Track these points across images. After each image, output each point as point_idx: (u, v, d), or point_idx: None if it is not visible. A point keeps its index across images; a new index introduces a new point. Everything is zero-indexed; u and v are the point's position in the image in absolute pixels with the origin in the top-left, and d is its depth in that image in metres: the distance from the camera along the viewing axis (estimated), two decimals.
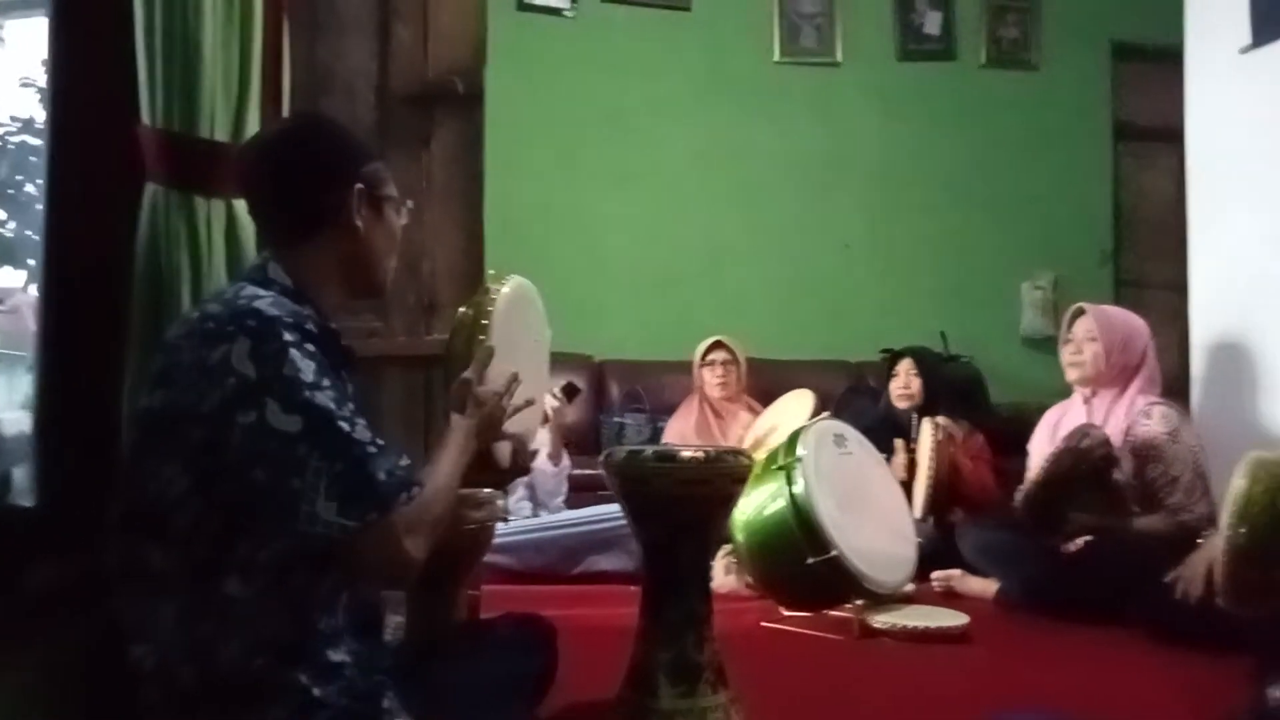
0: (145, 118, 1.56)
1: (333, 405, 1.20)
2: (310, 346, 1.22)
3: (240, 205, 1.61)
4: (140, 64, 1.55)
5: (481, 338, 1.52)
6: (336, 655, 1.28)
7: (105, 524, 1.26)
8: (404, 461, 1.24)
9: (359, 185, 1.38)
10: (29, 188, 1.87)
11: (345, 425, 1.20)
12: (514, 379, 1.52)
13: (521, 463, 1.63)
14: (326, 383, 1.21)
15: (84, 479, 1.55)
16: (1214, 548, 2.09)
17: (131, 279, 1.55)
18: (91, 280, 1.63)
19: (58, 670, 1.41)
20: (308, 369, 1.20)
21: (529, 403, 1.59)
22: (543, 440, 3.37)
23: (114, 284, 1.58)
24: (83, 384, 1.61)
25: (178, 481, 1.20)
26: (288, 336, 1.20)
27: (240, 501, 1.19)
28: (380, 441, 1.22)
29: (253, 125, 1.66)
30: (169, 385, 1.24)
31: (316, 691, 1.23)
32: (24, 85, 1.77)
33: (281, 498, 1.17)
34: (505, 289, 1.60)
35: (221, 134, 1.61)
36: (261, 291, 1.28)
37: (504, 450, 1.56)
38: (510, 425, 1.53)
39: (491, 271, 1.69)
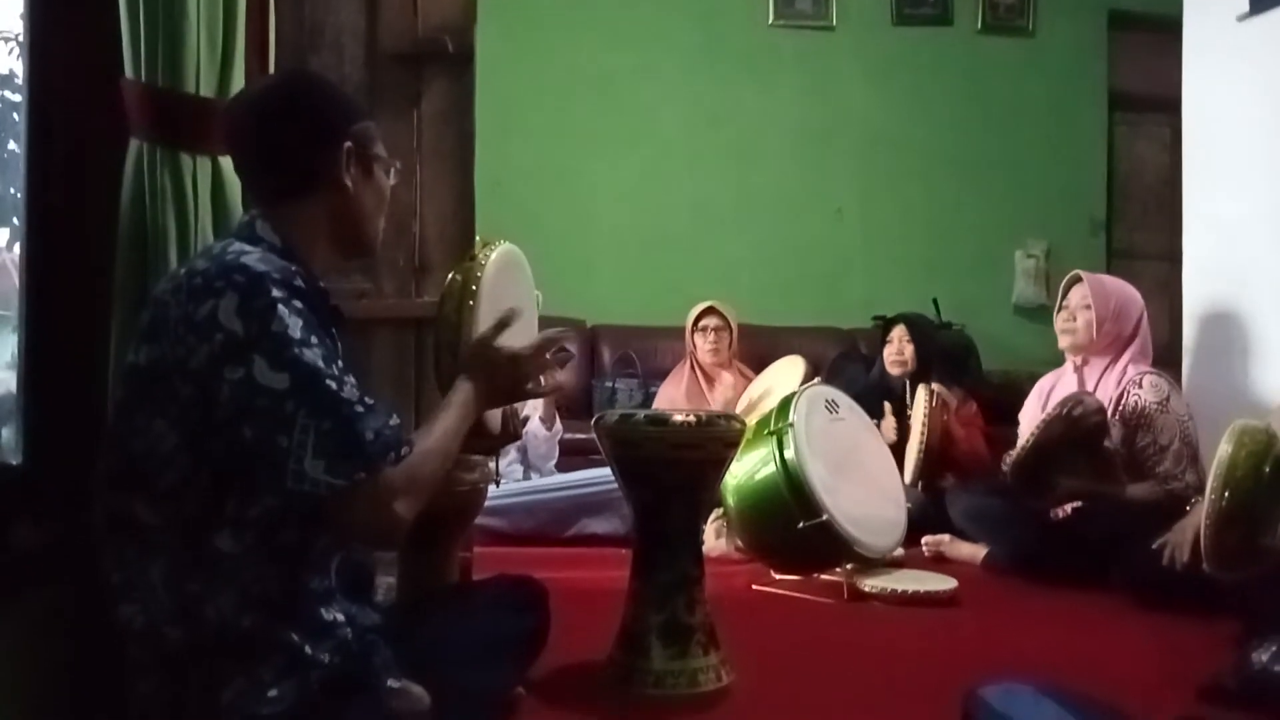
0: (129, 72, 1.53)
1: (321, 363, 1.18)
2: (298, 303, 1.20)
3: (227, 163, 1.59)
4: (123, 17, 1.52)
5: (470, 303, 1.49)
6: (329, 614, 1.28)
7: (92, 482, 1.25)
8: (394, 421, 1.23)
9: (348, 144, 1.35)
10: (11, 145, 1.84)
11: (333, 383, 1.18)
12: (548, 342, 1.49)
13: (513, 429, 1.60)
14: (315, 340, 1.19)
15: (70, 437, 1.54)
16: (1200, 514, 2.10)
17: (116, 236, 1.53)
18: (76, 238, 1.61)
19: (44, 629, 1.40)
20: (295, 325, 1.18)
21: (558, 367, 1.57)
22: (535, 405, 3.37)
23: (99, 241, 1.56)
24: (68, 342, 1.60)
25: (167, 437, 1.19)
26: (276, 293, 1.19)
27: (229, 457, 1.18)
28: (369, 400, 1.21)
29: (238, 82, 1.63)
30: (156, 341, 1.22)
31: (308, 649, 1.23)
32: (2, 39, 1.73)
33: (269, 455, 1.16)
34: (494, 254, 1.57)
35: (207, 90, 1.58)
36: (249, 248, 1.26)
37: (494, 416, 1.54)
38: None
39: (479, 237, 1.66)
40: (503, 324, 1.45)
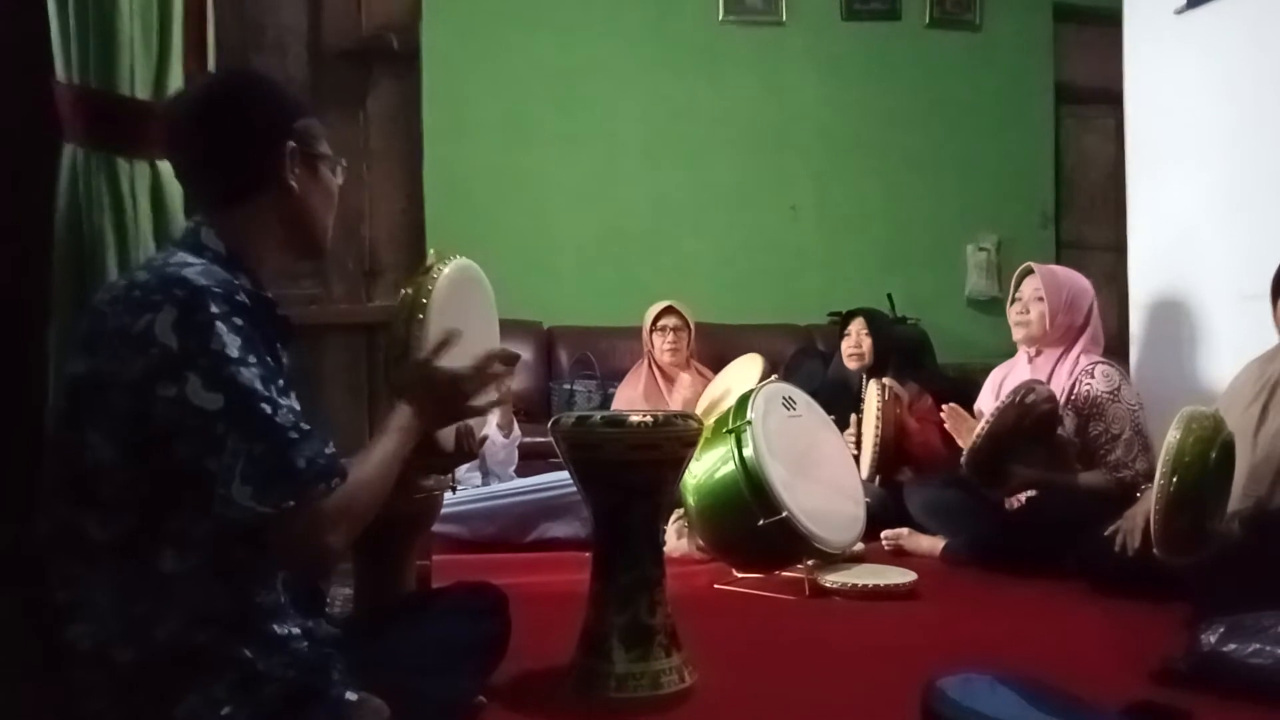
0: (60, 74, 1.49)
1: (257, 385, 1.14)
2: (238, 320, 1.17)
3: (165, 167, 1.55)
4: (52, 15, 1.47)
5: (420, 316, 1.44)
6: (281, 628, 1.25)
7: (38, 495, 1.21)
8: (329, 450, 1.19)
9: (291, 143, 1.32)
10: None
11: (267, 407, 1.14)
12: (491, 358, 1.44)
13: (467, 447, 1.54)
14: (253, 359, 1.16)
15: (8, 451, 1.49)
16: (1150, 500, 2.14)
17: (52, 244, 1.48)
18: (11, 246, 1.56)
19: None
20: (233, 344, 1.15)
21: (498, 383, 1.49)
22: (492, 416, 3.33)
23: (35, 250, 1.51)
24: (5, 353, 1.54)
25: (102, 450, 1.16)
26: (214, 308, 1.15)
27: (164, 475, 1.15)
28: (305, 426, 1.17)
29: (175, 83, 1.60)
30: (93, 352, 1.19)
31: (260, 665, 1.20)
32: None
33: (199, 477, 1.13)
34: (446, 269, 1.52)
35: (142, 91, 1.54)
36: (192, 259, 1.22)
37: (448, 435, 1.49)
38: None
39: (433, 250, 1.62)
40: (442, 344, 1.40)
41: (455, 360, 1.42)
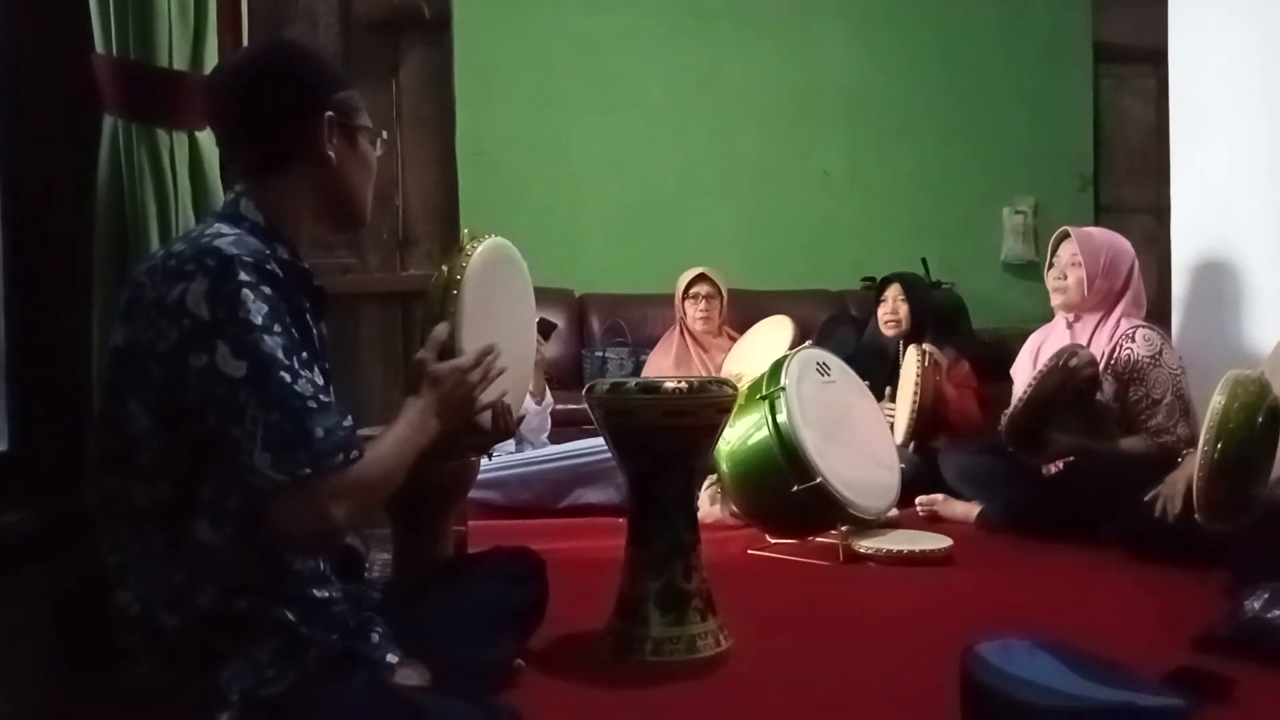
0: (99, 47, 1.49)
1: (279, 353, 1.15)
2: (266, 289, 1.17)
3: (204, 138, 1.56)
4: None
5: (455, 293, 1.43)
6: (321, 593, 1.27)
7: (84, 464, 1.24)
8: (347, 422, 1.19)
9: (329, 113, 1.32)
10: None
11: (287, 375, 1.14)
12: (486, 351, 1.41)
13: (504, 426, 1.53)
14: (278, 328, 1.16)
15: (56, 421, 1.52)
16: (1193, 465, 2.11)
17: (95, 216, 1.50)
18: (54, 219, 1.58)
19: (35, 615, 1.39)
20: (259, 311, 1.15)
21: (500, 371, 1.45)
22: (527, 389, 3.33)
23: (78, 222, 1.53)
24: (50, 325, 1.57)
25: (141, 419, 1.18)
26: (244, 276, 1.16)
27: (198, 444, 1.17)
28: (324, 399, 1.17)
29: (211, 55, 1.60)
30: (131, 322, 1.21)
31: (303, 629, 1.23)
32: None
33: (226, 446, 1.14)
34: (480, 249, 1.51)
35: (180, 63, 1.54)
36: (227, 229, 1.23)
37: (485, 414, 1.48)
38: (492, 390, 1.44)
39: (466, 230, 1.61)
40: (437, 344, 1.38)
41: (491, 340, 1.42)
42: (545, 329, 3.30)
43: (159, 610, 1.20)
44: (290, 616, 1.22)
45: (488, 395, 1.43)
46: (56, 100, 1.57)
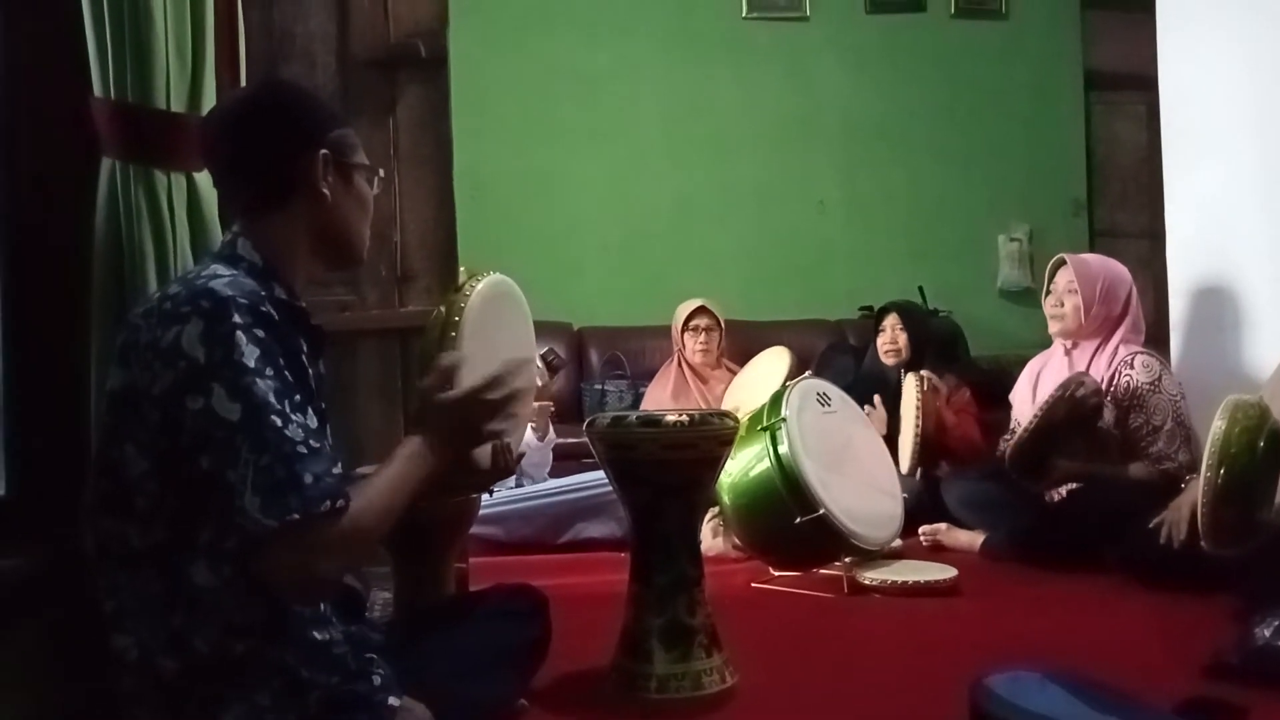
0: (97, 90, 1.50)
1: (271, 397, 1.14)
2: (259, 332, 1.17)
3: (202, 179, 1.57)
4: (89, 33, 1.49)
5: (453, 333, 1.43)
6: (322, 635, 1.25)
7: (82, 507, 1.23)
8: (336, 469, 1.18)
9: (324, 151, 1.32)
10: None
11: (278, 420, 1.13)
12: (496, 379, 1.36)
13: (504, 464, 1.52)
14: (270, 372, 1.16)
15: (54, 465, 1.51)
16: (1196, 491, 2.10)
17: (93, 258, 1.50)
18: (52, 261, 1.58)
19: (33, 659, 1.37)
20: (251, 354, 1.15)
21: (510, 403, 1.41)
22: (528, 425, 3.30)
23: (76, 264, 1.53)
24: (48, 368, 1.57)
25: (137, 463, 1.18)
26: (238, 319, 1.16)
27: (194, 487, 1.16)
28: (315, 444, 1.15)
29: (209, 95, 1.61)
30: (128, 365, 1.20)
31: (303, 673, 1.21)
32: None
33: (221, 488, 1.13)
34: (479, 286, 1.51)
35: (178, 105, 1.55)
36: (223, 271, 1.23)
37: (484, 452, 1.47)
38: (495, 422, 1.40)
39: (464, 269, 1.62)
40: (446, 374, 1.36)
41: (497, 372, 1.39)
42: (555, 365, 3.18)
43: (157, 654, 1.18)
44: (290, 659, 1.20)
45: (496, 425, 1.40)
46: (55, 143, 1.57)
